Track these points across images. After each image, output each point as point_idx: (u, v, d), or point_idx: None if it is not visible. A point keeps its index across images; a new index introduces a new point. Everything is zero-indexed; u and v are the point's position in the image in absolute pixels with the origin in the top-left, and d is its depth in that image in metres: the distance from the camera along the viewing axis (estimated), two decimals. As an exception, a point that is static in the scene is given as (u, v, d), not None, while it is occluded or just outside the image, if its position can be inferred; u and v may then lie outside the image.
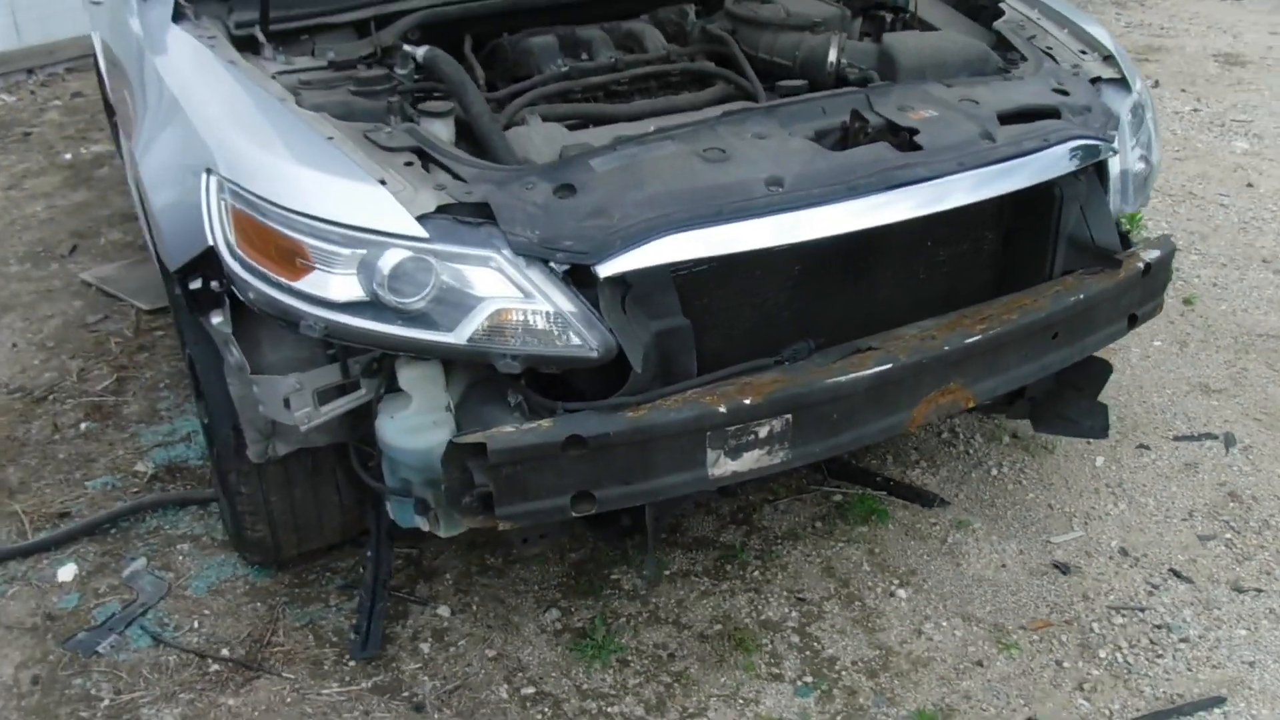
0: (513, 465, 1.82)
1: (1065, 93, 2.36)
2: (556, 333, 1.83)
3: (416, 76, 2.37)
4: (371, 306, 1.86)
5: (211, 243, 1.99)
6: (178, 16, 2.55)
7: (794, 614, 2.40)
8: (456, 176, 1.94)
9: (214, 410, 2.19)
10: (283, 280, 1.90)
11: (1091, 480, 2.78)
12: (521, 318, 1.82)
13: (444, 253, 1.83)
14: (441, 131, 2.15)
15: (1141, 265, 2.34)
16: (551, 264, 1.83)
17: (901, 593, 2.44)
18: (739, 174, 1.95)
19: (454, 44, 2.71)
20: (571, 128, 2.32)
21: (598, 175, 1.93)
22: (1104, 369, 2.45)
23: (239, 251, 1.96)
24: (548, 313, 1.82)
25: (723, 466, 1.95)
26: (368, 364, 2.06)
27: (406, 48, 2.44)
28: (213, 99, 2.23)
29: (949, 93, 2.27)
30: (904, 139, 2.07)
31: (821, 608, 2.41)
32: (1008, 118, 2.18)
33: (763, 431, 1.94)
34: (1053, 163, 2.14)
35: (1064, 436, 2.75)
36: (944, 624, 2.36)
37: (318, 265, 1.87)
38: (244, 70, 2.29)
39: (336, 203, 1.87)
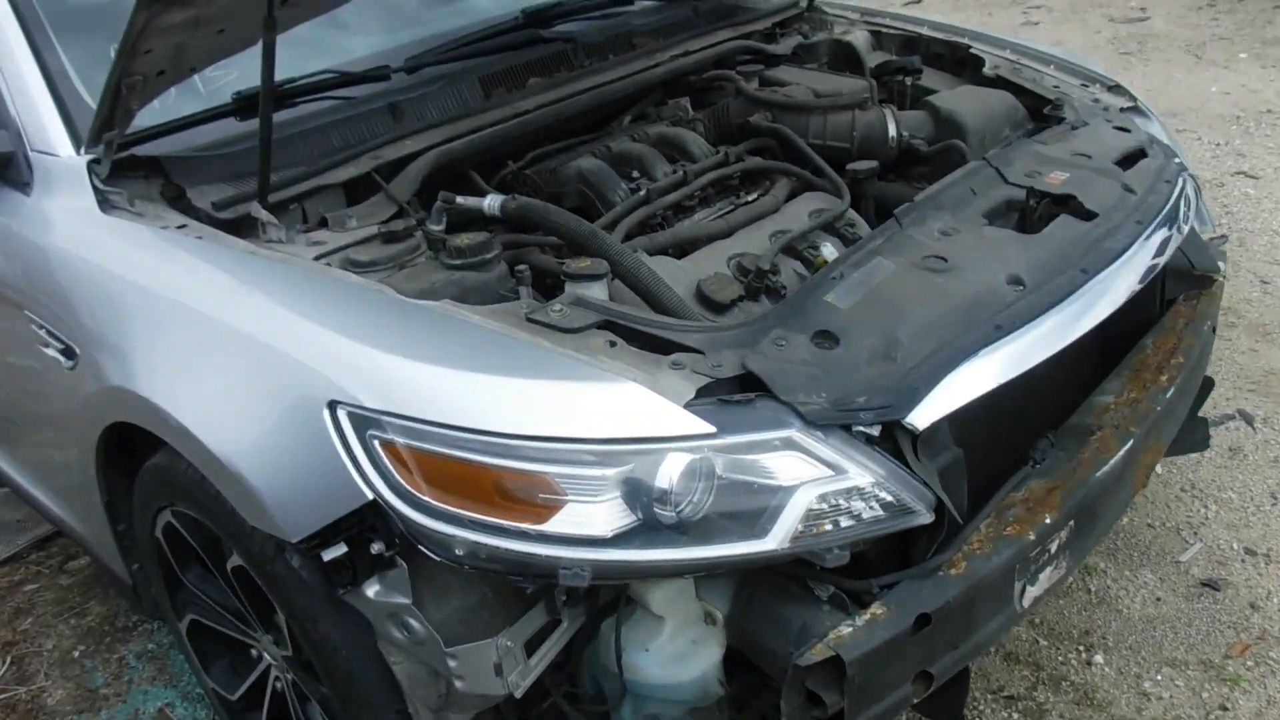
0: (865, 671, 1.53)
1: (1125, 129, 2.38)
2: (881, 504, 1.56)
3: (489, 230, 1.99)
4: (647, 531, 1.49)
5: (372, 496, 1.53)
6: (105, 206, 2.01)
7: (1015, 715, 2.23)
8: (683, 347, 1.62)
9: (356, 702, 1.69)
10: (517, 525, 1.49)
11: (1164, 489, 2.84)
12: (840, 499, 1.53)
13: (732, 445, 1.50)
14: (599, 295, 1.80)
15: (1221, 280, 2.40)
16: (854, 428, 1.55)
17: (1098, 658, 2.35)
18: (978, 280, 1.78)
19: (453, 180, 2.33)
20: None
21: (847, 314, 1.69)
22: (1208, 383, 2.49)
23: (430, 501, 1.52)
24: (866, 485, 1.55)
25: (1027, 595, 1.77)
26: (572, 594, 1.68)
27: (464, 200, 2.05)
28: (277, 305, 1.74)
29: (1054, 149, 2.22)
30: (1074, 207, 1.98)
31: (1036, 699, 2.26)
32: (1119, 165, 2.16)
33: (1053, 546, 1.78)
34: (1187, 199, 2.13)
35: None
36: (1159, 678, 2.29)
37: (570, 497, 1.48)
38: (285, 259, 1.81)
39: (576, 413, 1.50)
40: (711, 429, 1.49)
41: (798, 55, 3.00)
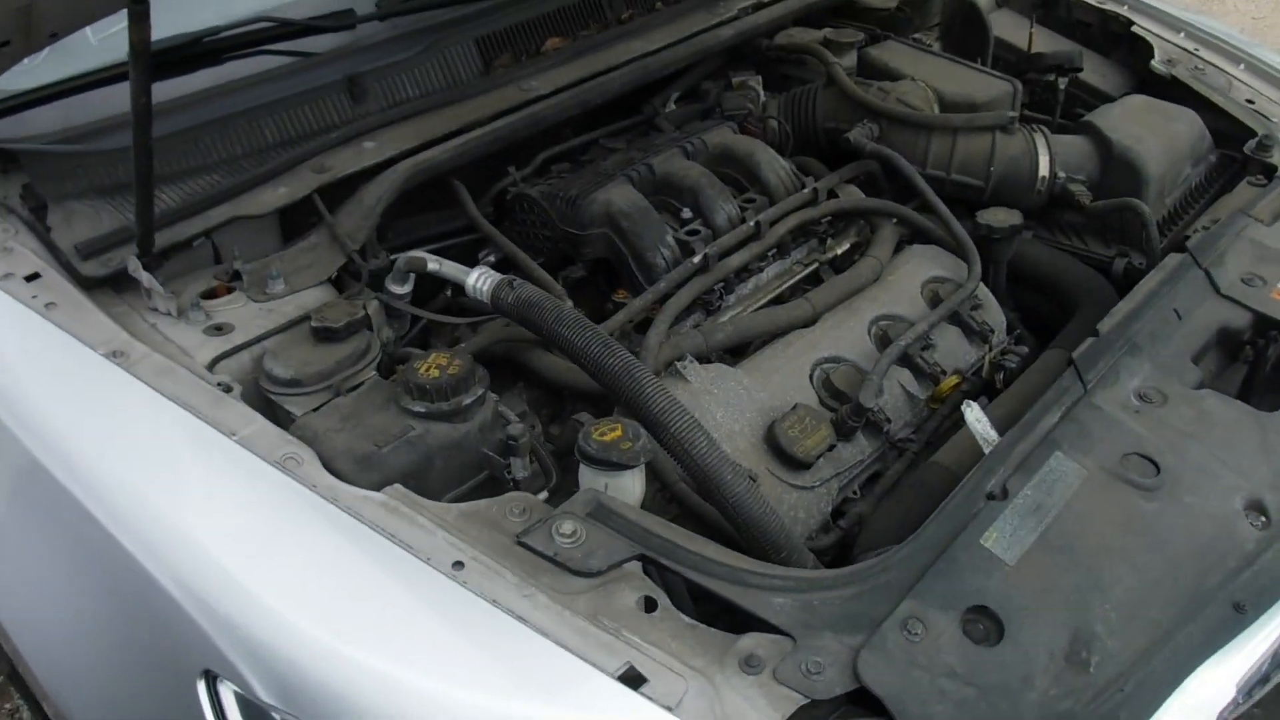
0: None
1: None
2: None
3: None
4: None
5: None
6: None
7: None
8: (763, 623, 1.04)
9: None
10: None
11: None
12: None
13: None
14: (632, 489, 1.20)
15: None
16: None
17: None
18: (1202, 507, 1.18)
19: (432, 199, 1.69)
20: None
21: (1013, 575, 1.10)
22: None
23: None
24: None
25: None
26: None
27: (438, 265, 1.43)
28: (131, 478, 1.16)
29: (1272, 234, 1.58)
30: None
31: None
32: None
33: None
34: None
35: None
36: None
37: None
38: (162, 371, 1.22)
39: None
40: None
41: (903, 12, 2.27)
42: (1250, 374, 1.44)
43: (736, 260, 1.67)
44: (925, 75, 1.97)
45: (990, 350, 1.71)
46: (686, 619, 1.05)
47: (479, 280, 1.41)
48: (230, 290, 1.50)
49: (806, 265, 1.81)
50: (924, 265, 1.77)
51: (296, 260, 1.56)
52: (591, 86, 1.88)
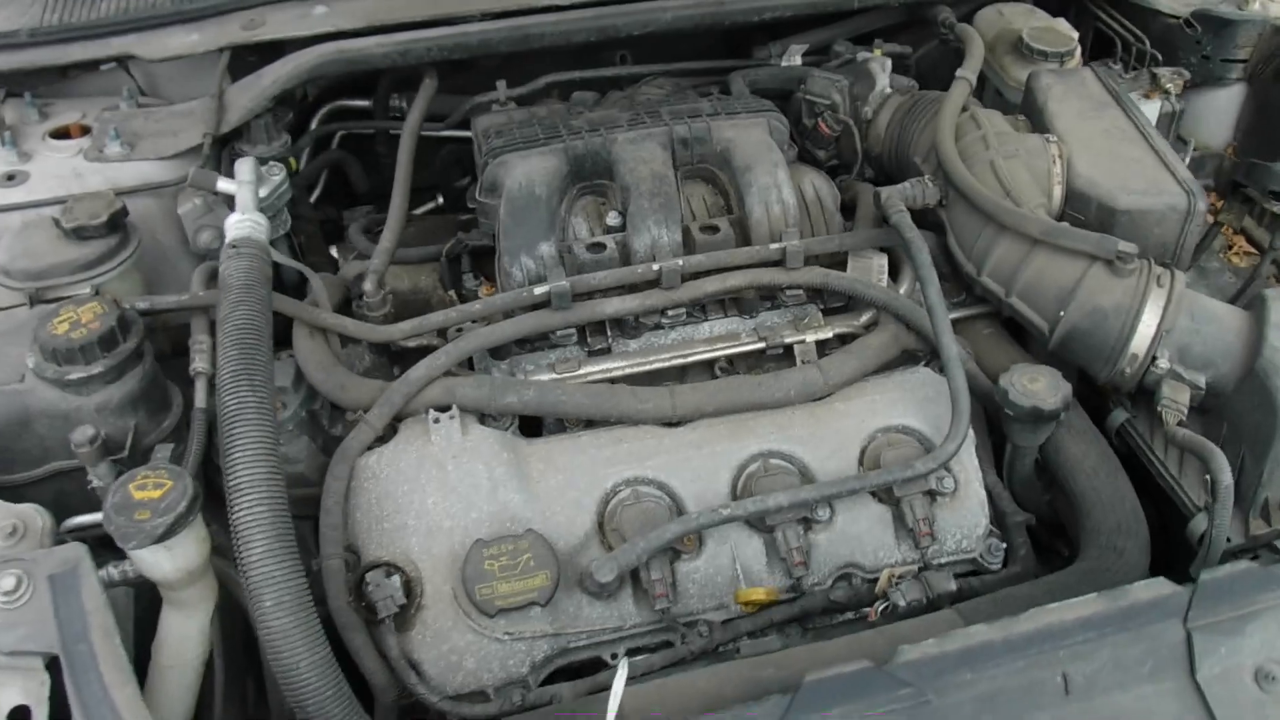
0: None
1: None
2: None
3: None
4: None
5: None
6: None
7: None
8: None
9: None
10: None
11: None
12: None
13: None
14: (156, 564, 1.01)
15: None
16: None
17: None
18: None
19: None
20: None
21: None
22: None
23: None
24: None
25: None
26: None
27: (223, 183, 1.26)
28: None
29: None
30: None
31: None
32: None
33: None
34: None
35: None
36: None
37: None
38: None
39: None
40: None
41: (1192, 29, 1.63)
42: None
43: (613, 307, 1.29)
44: (1080, 140, 1.35)
45: (900, 573, 1.22)
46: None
47: (230, 226, 1.20)
48: (84, 134, 1.41)
49: (761, 340, 1.38)
50: (896, 404, 1.28)
51: (164, 123, 1.42)
52: (621, 11, 1.49)
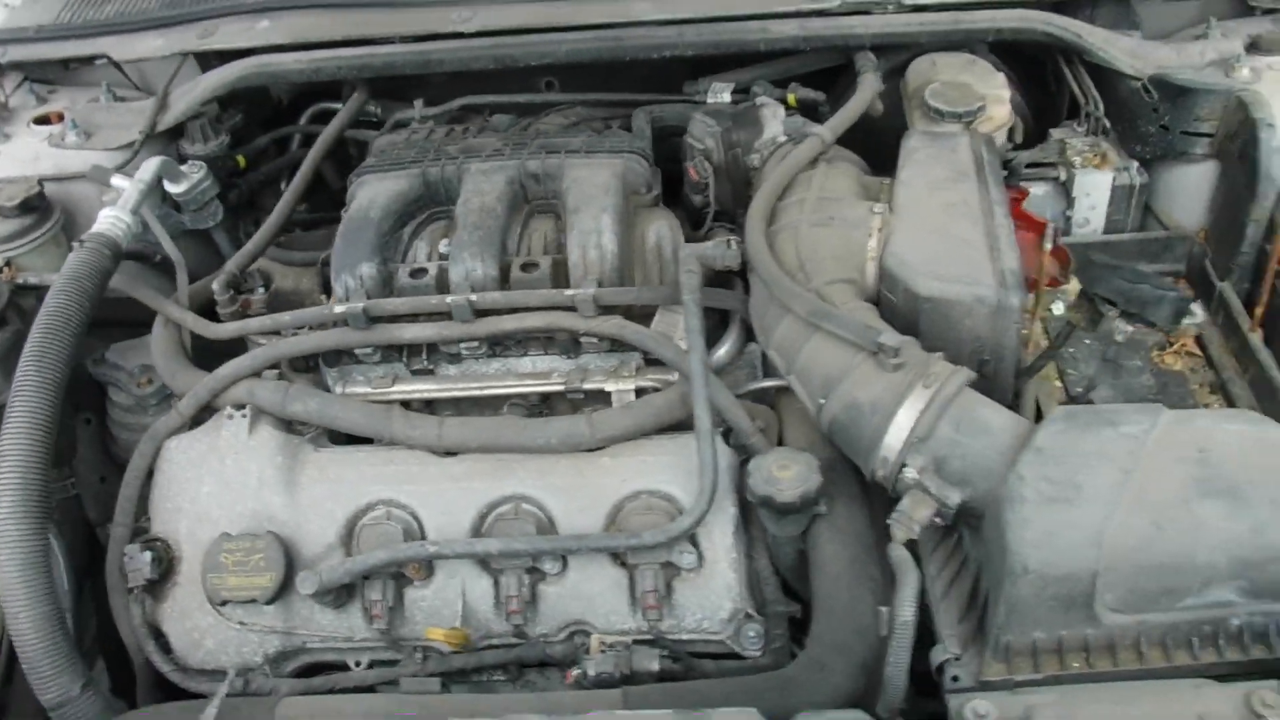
0: None
1: None
2: None
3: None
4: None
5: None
6: None
7: None
8: None
9: None
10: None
11: None
12: None
13: None
14: None
15: None
16: None
17: None
18: None
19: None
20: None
21: None
22: None
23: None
24: None
25: None
26: None
27: (116, 178, 1.44)
28: None
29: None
30: None
31: None
32: None
33: None
34: None
35: None
36: None
37: None
38: None
39: None
40: None
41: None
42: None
43: (410, 333, 1.36)
44: (913, 213, 1.25)
45: (611, 641, 1.21)
46: None
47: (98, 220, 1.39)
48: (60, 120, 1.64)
49: (563, 381, 1.40)
50: (666, 469, 1.26)
51: (122, 118, 1.63)
52: (518, 43, 1.52)
